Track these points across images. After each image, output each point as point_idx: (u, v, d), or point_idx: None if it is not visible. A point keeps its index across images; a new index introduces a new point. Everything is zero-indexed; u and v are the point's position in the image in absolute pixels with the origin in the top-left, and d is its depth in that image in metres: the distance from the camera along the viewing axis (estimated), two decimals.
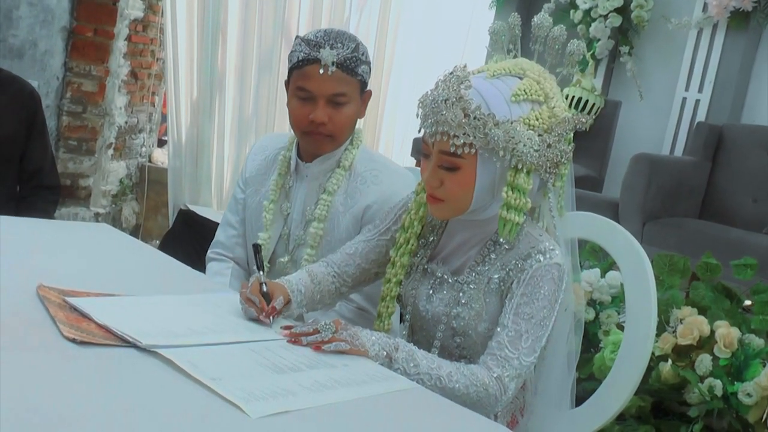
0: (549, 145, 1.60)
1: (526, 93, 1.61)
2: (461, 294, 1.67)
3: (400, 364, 1.51)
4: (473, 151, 1.57)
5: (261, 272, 1.72)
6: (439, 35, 6.29)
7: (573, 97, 5.50)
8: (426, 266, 1.76)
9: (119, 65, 5.22)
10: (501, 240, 1.65)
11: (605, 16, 5.63)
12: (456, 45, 6.35)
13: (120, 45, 5.19)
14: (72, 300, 1.50)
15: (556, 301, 1.61)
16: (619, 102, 5.63)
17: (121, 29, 5.14)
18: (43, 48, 4.56)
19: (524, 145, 1.56)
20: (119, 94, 5.30)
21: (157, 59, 5.63)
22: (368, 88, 2.21)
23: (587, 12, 5.70)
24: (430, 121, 1.59)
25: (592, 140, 5.57)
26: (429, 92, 1.62)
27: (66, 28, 4.65)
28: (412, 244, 1.76)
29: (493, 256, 1.67)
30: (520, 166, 1.57)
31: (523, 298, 1.59)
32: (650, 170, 4.57)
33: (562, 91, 6.14)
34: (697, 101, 5.38)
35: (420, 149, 1.70)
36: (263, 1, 5.01)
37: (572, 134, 1.66)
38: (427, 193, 1.67)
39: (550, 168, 1.61)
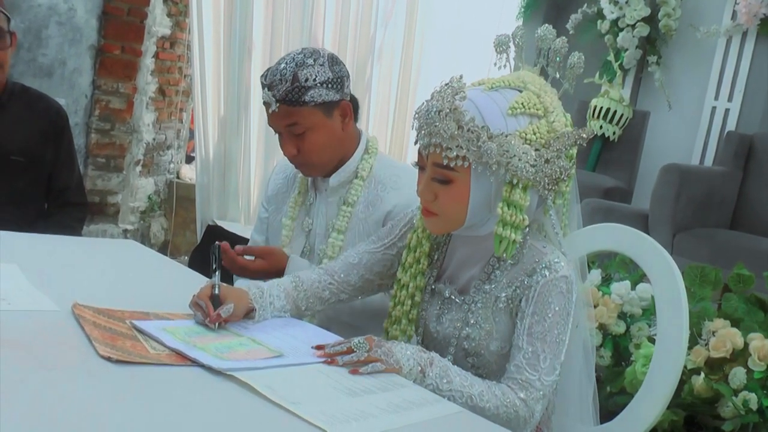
0: (547, 161, 1.55)
1: (523, 106, 1.57)
2: (470, 314, 1.64)
3: (432, 380, 1.48)
4: (466, 164, 1.53)
5: (215, 275, 1.71)
6: (465, 49, 6.26)
7: (601, 107, 5.47)
8: (434, 286, 1.73)
9: (147, 82, 5.26)
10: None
11: (633, 26, 5.60)
12: (483, 59, 6.30)
13: (147, 62, 5.23)
14: (139, 323, 1.51)
15: (568, 314, 1.57)
16: (648, 112, 5.59)
17: (149, 46, 5.18)
18: (71, 66, 4.60)
19: (519, 160, 1.51)
20: (147, 111, 5.34)
21: (185, 76, 5.66)
22: (338, 98, 2.11)
23: (614, 22, 5.67)
24: (423, 132, 1.56)
25: (621, 151, 5.53)
26: (424, 103, 1.58)
27: (94, 46, 4.69)
28: (423, 264, 1.73)
29: (497, 273, 1.63)
30: (515, 182, 1.53)
31: (534, 318, 1.55)
32: (680, 181, 4.53)
33: (590, 101, 6.04)
34: (727, 110, 5.33)
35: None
36: (290, 17, 5.02)
37: (574, 150, 1.60)
38: (421, 207, 1.64)
39: (548, 184, 1.56)
